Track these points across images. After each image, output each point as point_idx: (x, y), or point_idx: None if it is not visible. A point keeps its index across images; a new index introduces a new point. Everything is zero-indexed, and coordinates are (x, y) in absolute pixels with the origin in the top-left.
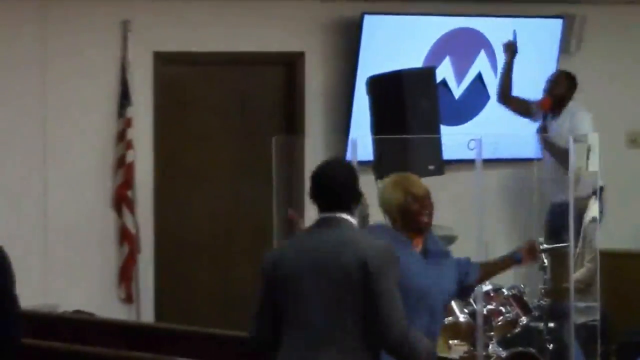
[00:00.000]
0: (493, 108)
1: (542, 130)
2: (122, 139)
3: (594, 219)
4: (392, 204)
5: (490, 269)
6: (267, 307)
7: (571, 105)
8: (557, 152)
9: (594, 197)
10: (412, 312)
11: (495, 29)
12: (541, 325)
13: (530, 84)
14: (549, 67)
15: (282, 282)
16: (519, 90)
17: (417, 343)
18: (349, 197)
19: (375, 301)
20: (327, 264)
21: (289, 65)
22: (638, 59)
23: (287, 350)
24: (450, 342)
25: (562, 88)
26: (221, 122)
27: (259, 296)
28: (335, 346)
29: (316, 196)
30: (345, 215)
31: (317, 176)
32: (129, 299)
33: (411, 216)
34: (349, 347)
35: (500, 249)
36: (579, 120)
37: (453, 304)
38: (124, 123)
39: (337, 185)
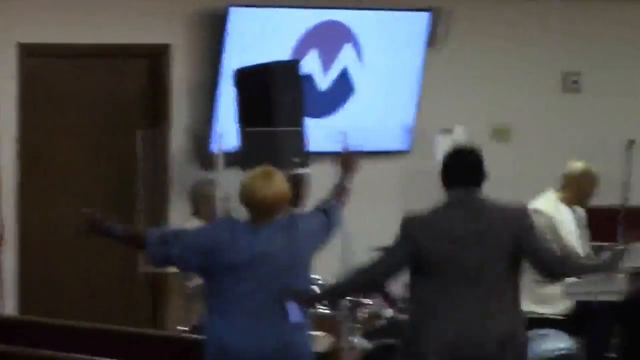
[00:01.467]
0: (358, 101)
1: None
2: None
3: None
4: (249, 196)
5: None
6: (397, 257)
7: None
8: None
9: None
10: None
11: (362, 22)
12: (406, 317)
13: (396, 77)
14: (416, 61)
15: (438, 243)
16: (386, 82)
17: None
18: (484, 175)
19: (537, 250)
20: (485, 228)
21: (155, 58)
22: (504, 53)
23: (455, 303)
24: (314, 334)
25: None
26: (87, 115)
27: (393, 246)
28: (502, 297)
29: (459, 173)
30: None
31: (462, 156)
32: None
33: (259, 208)
34: (510, 298)
35: (364, 235)
36: None
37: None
38: None
39: (480, 164)
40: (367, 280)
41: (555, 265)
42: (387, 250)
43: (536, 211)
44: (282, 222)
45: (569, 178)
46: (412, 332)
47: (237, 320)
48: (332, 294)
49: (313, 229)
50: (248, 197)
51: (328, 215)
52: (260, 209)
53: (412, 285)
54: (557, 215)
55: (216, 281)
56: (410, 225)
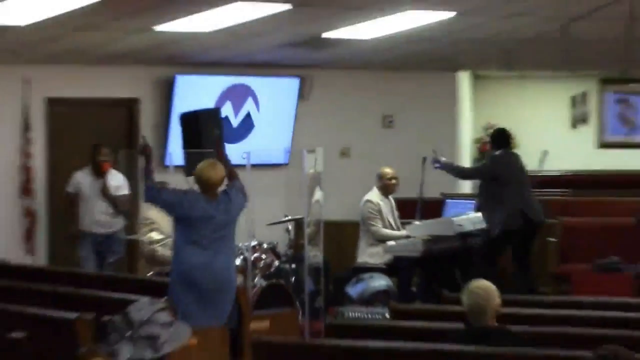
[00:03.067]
0: (256, 133)
1: None
2: (28, 156)
3: (317, 201)
4: (201, 179)
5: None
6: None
7: None
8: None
9: (318, 187)
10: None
11: (259, 84)
12: (287, 266)
13: (279, 117)
14: (292, 107)
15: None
16: (273, 120)
17: None
18: None
19: None
20: None
21: (131, 106)
22: (346, 102)
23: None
24: None
25: None
26: (91, 141)
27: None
28: None
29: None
30: None
31: None
32: None
33: (207, 186)
34: None
35: (260, 219)
36: None
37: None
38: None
39: None
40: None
41: None
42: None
43: (368, 200)
44: (222, 195)
45: (380, 176)
46: None
47: (198, 253)
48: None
49: (239, 200)
50: (201, 179)
51: (241, 191)
52: (209, 186)
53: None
54: (380, 203)
55: (186, 227)
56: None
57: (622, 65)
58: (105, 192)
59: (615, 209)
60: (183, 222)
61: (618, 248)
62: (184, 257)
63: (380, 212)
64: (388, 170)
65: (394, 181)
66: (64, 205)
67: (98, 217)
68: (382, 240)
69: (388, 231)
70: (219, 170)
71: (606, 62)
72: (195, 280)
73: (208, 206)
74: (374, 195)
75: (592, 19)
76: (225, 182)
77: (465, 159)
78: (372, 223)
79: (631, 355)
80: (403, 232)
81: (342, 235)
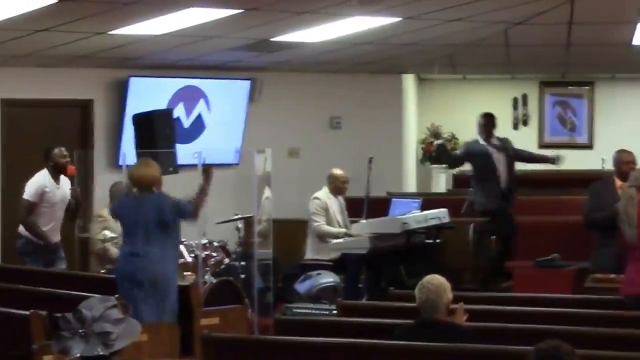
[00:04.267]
0: (207, 133)
1: None
2: None
3: (267, 198)
4: (131, 176)
5: (199, 198)
6: None
7: None
8: None
9: (267, 186)
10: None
11: (210, 86)
12: (237, 264)
13: (231, 119)
14: (243, 109)
15: None
16: (225, 122)
17: None
18: None
19: None
20: None
21: (85, 107)
22: (296, 104)
23: None
24: (184, 273)
25: None
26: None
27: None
28: None
29: None
30: None
31: None
32: None
33: (135, 183)
34: None
35: (211, 218)
36: None
37: (183, 250)
38: None
39: None
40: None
41: None
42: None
43: (315, 197)
44: (153, 195)
45: (332, 178)
46: None
47: (130, 250)
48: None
49: (165, 208)
50: (131, 176)
51: (181, 207)
52: (137, 184)
53: None
54: (328, 201)
55: (121, 224)
56: None
57: (561, 69)
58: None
59: (557, 207)
60: (119, 219)
61: (561, 246)
62: (121, 253)
63: (326, 209)
64: (340, 173)
65: (346, 185)
66: (24, 216)
67: (58, 224)
68: (322, 236)
69: (328, 227)
70: (150, 170)
71: (546, 66)
72: (126, 275)
73: (133, 204)
74: (323, 193)
75: (532, 24)
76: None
77: (411, 159)
78: (315, 219)
79: (571, 349)
80: (342, 230)
81: (291, 233)
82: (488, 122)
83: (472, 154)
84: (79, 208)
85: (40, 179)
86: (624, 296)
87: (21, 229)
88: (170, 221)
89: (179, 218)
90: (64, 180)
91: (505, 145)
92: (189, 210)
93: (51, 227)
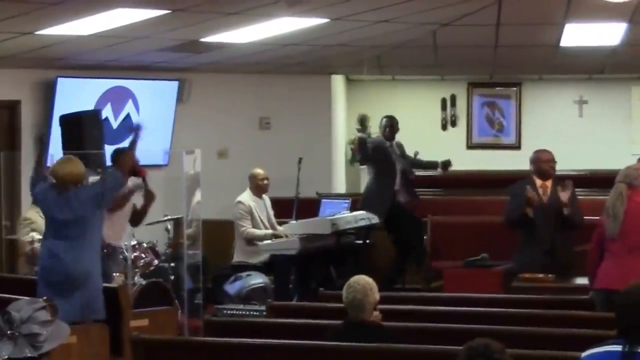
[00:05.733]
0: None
1: None
2: None
3: (198, 202)
4: (53, 174)
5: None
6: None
7: None
8: None
9: (198, 188)
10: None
11: (138, 87)
12: (167, 265)
13: (159, 120)
14: (171, 110)
15: None
16: (154, 122)
17: None
18: None
19: None
20: None
21: (12, 108)
22: (224, 105)
23: None
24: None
25: None
26: None
27: None
28: None
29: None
30: None
31: None
32: None
33: (57, 180)
34: None
35: (146, 220)
36: None
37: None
38: None
39: None
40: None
41: None
42: None
43: (239, 201)
44: (72, 192)
45: (252, 178)
46: None
47: (49, 248)
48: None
49: (89, 196)
50: (54, 174)
51: (106, 176)
52: (58, 181)
53: None
54: (252, 203)
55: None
56: None
57: (489, 70)
58: None
59: (485, 207)
60: (39, 205)
61: (489, 245)
62: (41, 252)
63: (251, 212)
64: (259, 171)
65: (265, 182)
66: None
67: None
68: (250, 240)
69: (255, 231)
70: (71, 166)
71: (474, 67)
72: (45, 274)
73: (54, 202)
74: (246, 196)
75: (460, 25)
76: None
77: (340, 160)
78: (241, 224)
79: (502, 347)
80: (269, 232)
81: (221, 234)
82: (392, 124)
83: (378, 151)
84: None
85: None
86: (592, 291)
87: None
88: (88, 214)
89: (107, 192)
90: None
91: (401, 150)
92: (115, 174)
93: None
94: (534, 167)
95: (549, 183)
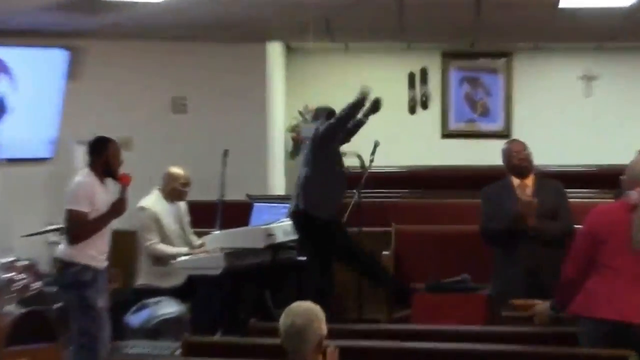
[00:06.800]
0: (11, 119)
1: None
2: None
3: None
4: None
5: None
6: None
7: None
8: None
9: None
10: None
11: (14, 58)
12: (50, 289)
13: (43, 100)
14: (58, 88)
15: None
16: (34, 104)
17: None
18: None
19: None
20: None
21: None
22: (128, 82)
23: None
24: None
25: None
26: None
27: None
28: None
29: None
30: None
31: None
32: None
33: None
34: None
35: (19, 228)
36: None
37: None
38: None
39: None
40: None
41: None
42: None
43: (141, 207)
44: None
45: (168, 180)
46: None
47: None
48: None
49: None
50: None
51: None
52: None
53: None
54: (159, 209)
55: None
56: None
57: (470, 36)
58: None
59: (464, 213)
60: None
61: (469, 262)
62: None
63: (158, 221)
64: (180, 173)
65: (187, 188)
66: None
67: None
68: (158, 257)
69: (165, 247)
70: None
71: (451, 32)
72: None
73: None
74: (152, 200)
75: None
76: None
77: (278, 153)
78: (148, 237)
79: None
80: (183, 249)
81: (121, 248)
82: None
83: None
84: None
85: None
86: (587, 320)
87: None
88: None
89: None
90: None
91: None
92: None
93: None
94: (505, 162)
95: (529, 181)
